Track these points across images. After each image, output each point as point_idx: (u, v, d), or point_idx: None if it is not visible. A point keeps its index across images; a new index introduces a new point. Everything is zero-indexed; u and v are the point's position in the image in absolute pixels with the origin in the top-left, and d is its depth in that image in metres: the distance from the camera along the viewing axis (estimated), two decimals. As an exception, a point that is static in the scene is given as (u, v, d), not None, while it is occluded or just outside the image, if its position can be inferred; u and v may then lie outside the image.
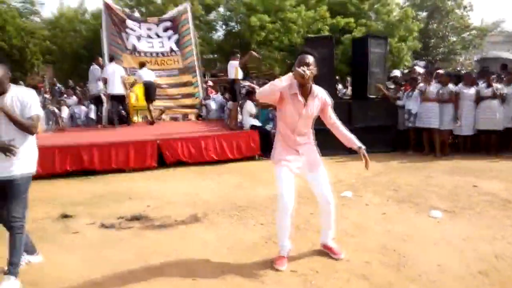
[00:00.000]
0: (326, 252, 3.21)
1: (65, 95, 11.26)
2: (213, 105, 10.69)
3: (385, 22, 21.36)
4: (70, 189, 5.72)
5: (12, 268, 2.75)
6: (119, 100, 9.32)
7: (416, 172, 6.06)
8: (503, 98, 6.94)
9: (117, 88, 9.06)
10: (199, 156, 7.04)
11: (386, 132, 7.83)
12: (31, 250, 3.15)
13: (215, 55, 22.93)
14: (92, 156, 6.52)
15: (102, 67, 9.68)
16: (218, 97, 11.07)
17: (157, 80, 10.46)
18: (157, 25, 11.53)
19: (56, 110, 9.65)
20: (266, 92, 2.85)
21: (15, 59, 19.55)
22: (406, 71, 14.70)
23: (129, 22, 11.18)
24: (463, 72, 8.59)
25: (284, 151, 3.02)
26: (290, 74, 2.81)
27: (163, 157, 6.90)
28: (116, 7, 12.00)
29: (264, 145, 7.34)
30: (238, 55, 7.91)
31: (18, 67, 19.87)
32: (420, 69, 10.59)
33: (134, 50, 11.12)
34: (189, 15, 11.77)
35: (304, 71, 2.72)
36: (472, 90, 7.07)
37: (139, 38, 11.22)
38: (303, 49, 3.02)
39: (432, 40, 25.38)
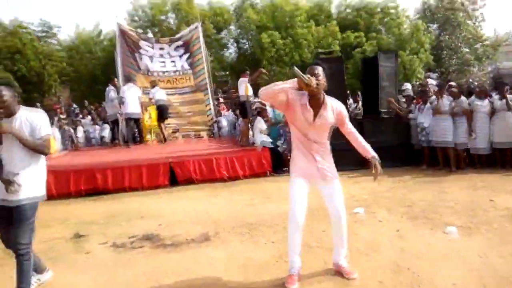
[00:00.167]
0: (338, 271, 3.15)
1: (80, 116, 11.52)
2: (224, 123, 10.78)
3: (396, 36, 21.38)
4: (83, 209, 5.79)
5: None
6: (135, 120, 9.47)
7: (430, 187, 5.94)
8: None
9: (133, 109, 9.15)
10: (211, 174, 7.08)
11: (399, 147, 7.73)
12: (40, 269, 3.16)
13: (227, 73, 23.23)
14: (105, 176, 6.63)
15: (118, 88, 9.89)
16: (230, 114, 11.16)
17: (169, 98, 10.67)
18: (169, 45, 11.80)
19: (71, 131, 9.86)
20: (269, 92, 2.78)
21: (33, 82, 20.18)
22: (417, 83, 14.61)
23: (142, 43, 11.48)
24: (475, 84, 8.46)
25: (300, 157, 3.00)
26: (295, 79, 2.75)
27: (175, 175, 6.95)
28: (130, 28, 12.37)
29: (275, 162, 7.35)
30: (248, 72, 8.00)
31: (36, 89, 20.48)
32: (432, 82, 10.51)
33: (147, 70, 11.38)
34: (200, 34, 12.01)
35: (309, 77, 2.68)
36: (485, 103, 6.95)
37: (151, 58, 11.48)
38: (314, 62, 3.02)
39: (444, 52, 25.19)
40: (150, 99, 9.68)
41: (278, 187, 6.34)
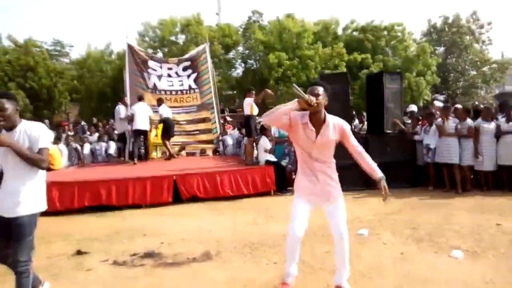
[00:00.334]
0: None
1: (88, 133, 11.66)
2: (230, 141, 10.83)
3: (402, 58, 21.55)
4: (86, 225, 5.79)
5: None
6: (142, 134, 9.61)
7: (436, 209, 5.86)
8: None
9: (142, 124, 9.36)
10: (215, 192, 7.07)
11: (405, 168, 7.68)
12: (37, 283, 3.13)
13: (234, 92, 23.50)
14: (109, 192, 6.64)
15: (127, 106, 10.06)
16: (235, 132, 11.22)
17: (175, 116, 10.81)
18: (177, 65, 12.01)
19: (79, 147, 9.97)
20: (272, 115, 2.84)
21: (44, 99, 20.58)
22: (423, 105, 14.61)
23: (151, 63, 11.70)
24: (481, 106, 8.43)
25: (304, 178, 3.02)
26: (295, 100, 2.78)
27: (179, 192, 6.95)
28: (139, 48, 12.65)
29: (279, 180, 7.32)
30: (253, 91, 8.08)
31: (46, 106, 20.87)
32: (439, 104, 10.51)
33: (154, 88, 11.56)
34: (207, 54, 12.23)
35: (308, 96, 2.71)
36: (492, 125, 6.92)
37: (160, 77, 11.68)
38: (314, 81, 3.07)
39: (451, 74, 25.29)
40: (160, 117, 9.82)
41: (281, 207, 6.29)
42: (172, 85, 11.76)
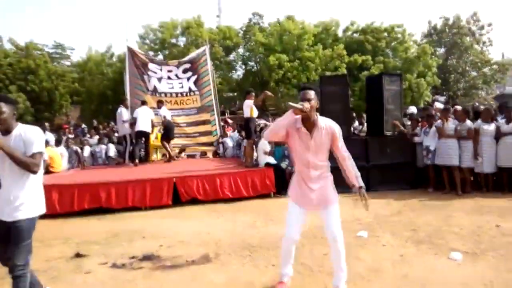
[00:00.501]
0: None
1: (88, 135, 11.67)
2: (230, 143, 10.83)
3: (403, 59, 21.56)
4: (86, 228, 5.79)
5: None
6: (144, 136, 9.71)
7: (436, 211, 5.85)
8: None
9: (145, 126, 9.54)
10: (214, 194, 7.06)
11: (404, 169, 7.68)
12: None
13: (235, 93, 23.53)
14: (109, 194, 6.64)
15: (128, 108, 10.12)
16: (235, 135, 11.23)
17: (176, 119, 10.86)
18: (177, 67, 12.04)
19: (79, 150, 9.98)
20: (272, 131, 2.96)
21: (44, 101, 20.63)
22: (423, 106, 14.58)
23: (151, 65, 11.73)
24: (481, 108, 8.42)
25: (298, 189, 3.09)
26: (290, 111, 2.86)
27: (179, 194, 6.95)
28: (139, 51, 12.68)
29: (279, 182, 7.31)
30: (253, 93, 8.08)
31: (47, 109, 20.91)
32: (440, 105, 10.50)
33: (155, 91, 11.58)
34: (207, 57, 12.26)
35: (302, 104, 2.79)
36: (492, 126, 6.90)
37: (160, 79, 11.70)
38: (303, 86, 3.16)
39: (452, 76, 25.28)
40: (164, 118, 9.89)
41: (281, 209, 6.24)
42: (172, 88, 11.78)
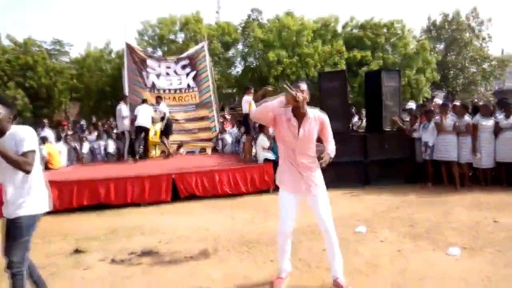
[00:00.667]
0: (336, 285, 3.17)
1: (86, 132, 11.66)
2: (228, 139, 10.83)
3: (402, 55, 21.52)
4: (85, 224, 5.79)
5: None
6: (144, 131, 9.76)
7: (434, 206, 5.86)
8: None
9: (144, 121, 9.62)
10: (213, 190, 7.07)
11: (403, 165, 7.69)
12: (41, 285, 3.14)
13: (234, 90, 23.47)
14: (108, 190, 6.65)
15: (127, 104, 10.14)
16: (234, 131, 11.22)
17: (174, 115, 10.87)
18: (176, 63, 12.01)
19: (77, 146, 9.98)
20: (259, 112, 2.99)
21: (43, 98, 20.56)
22: (422, 102, 14.58)
23: (149, 62, 11.72)
24: (480, 103, 8.42)
25: (286, 173, 3.13)
26: (282, 96, 2.86)
27: (177, 190, 6.96)
28: (138, 47, 12.65)
29: (278, 178, 7.31)
30: (252, 89, 8.07)
31: (46, 105, 20.85)
32: (439, 101, 10.50)
33: (153, 87, 11.57)
34: (206, 53, 12.23)
35: (296, 93, 2.80)
36: (490, 122, 6.91)
37: (158, 76, 11.69)
38: (297, 79, 3.18)
39: (451, 72, 25.26)
40: (164, 115, 9.94)
41: (280, 205, 6.29)
42: (171, 84, 11.77)
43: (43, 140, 8.76)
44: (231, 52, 23.35)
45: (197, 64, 12.08)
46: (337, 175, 7.04)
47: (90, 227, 5.59)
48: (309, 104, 3.07)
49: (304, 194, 3.12)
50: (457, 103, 7.99)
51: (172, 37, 22.01)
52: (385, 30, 22.13)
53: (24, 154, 2.67)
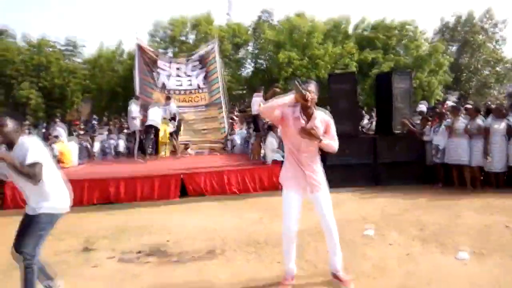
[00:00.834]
0: (335, 279, 3.27)
1: (98, 131, 11.83)
2: (238, 140, 10.86)
3: (414, 57, 21.30)
4: (94, 222, 5.85)
5: None
6: (154, 130, 9.83)
7: (444, 210, 5.79)
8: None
9: (154, 120, 9.71)
10: (222, 190, 7.11)
11: (413, 167, 7.62)
12: (48, 277, 3.20)
13: (244, 91, 23.49)
14: (118, 189, 6.73)
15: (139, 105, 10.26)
16: (243, 131, 11.25)
17: (184, 116, 10.96)
18: (186, 64, 12.11)
19: (88, 145, 10.12)
20: (267, 108, 3.04)
21: (56, 98, 20.87)
22: (434, 104, 14.42)
23: (159, 62, 11.83)
24: (492, 106, 8.29)
25: (290, 171, 3.20)
26: (292, 94, 2.95)
27: (186, 190, 7.01)
28: (149, 48, 12.76)
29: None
30: (262, 90, 8.09)
31: (59, 105, 21.15)
32: (451, 103, 10.39)
33: (163, 87, 11.67)
34: (216, 53, 12.28)
35: (305, 92, 2.89)
36: (502, 124, 6.80)
37: (168, 76, 11.80)
38: (307, 80, 3.22)
39: (464, 74, 24.91)
40: (174, 115, 10.02)
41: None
42: (181, 85, 11.86)
43: (55, 138, 8.92)
44: (241, 53, 23.39)
45: (207, 64, 12.15)
46: (346, 176, 7.03)
47: (100, 225, 5.65)
48: (317, 105, 3.14)
49: (306, 192, 3.17)
50: (469, 105, 7.87)
51: (183, 38, 22.14)
52: (396, 31, 21.93)
53: (30, 166, 2.75)
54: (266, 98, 8.01)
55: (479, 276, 3.38)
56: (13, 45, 21.17)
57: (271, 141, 7.62)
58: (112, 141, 10.49)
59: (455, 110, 7.28)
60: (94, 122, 14.14)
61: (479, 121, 6.91)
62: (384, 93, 8.02)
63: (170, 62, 12.12)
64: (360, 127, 9.17)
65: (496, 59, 24.62)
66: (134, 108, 10.02)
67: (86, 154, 9.99)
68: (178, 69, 11.96)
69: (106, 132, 10.98)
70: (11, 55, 20.19)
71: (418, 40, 21.99)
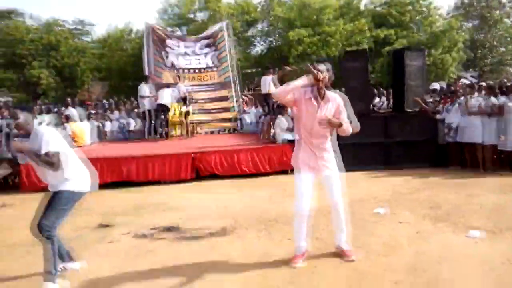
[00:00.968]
0: (340, 254, 3.38)
1: (109, 111, 11.89)
2: (248, 119, 10.85)
3: (428, 34, 20.74)
4: (110, 200, 5.99)
5: (46, 275, 2.97)
6: (164, 110, 9.97)
7: (456, 189, 5.76)
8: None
9: (164, 100, 9.85)
10: (232, 169, 7.16)
11: (425, 147, 7.55)
12: (68, 258, 3.32)
13: (254, 70, 23.27)
14: (130, 168, 6.83)
15: (149, 84, 10.34)
16: (254, 111, 11.22)
17: (194, 95, 10.95)
18: (195, 43, 12.00)
19: (100, 125, 10.21)
20: (280, 92, 3.11)
21: (67, 77, 20.98)
22: (447, 82, 14.12)
23: (169, 41, 11.74)
24: (508, 84, 8.09)
25: (302, 151, 3.24)
26: (305, 76, 3.03)
27: (198, 169, 7.08)
28: (158, 27, 12.64)
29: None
30: (271, 70, 8.01)
31: (70, 85, 21.29)
32: (466, 81, 10.18)
33: (172, 67, 11.62)
34: (225, 33, 12.13)
35: (318, 72, 2.96)
36: (518, 103, 6.65)
37: (178, 55, 11.72)
38: (318, 59, 3.29)
39: (480, 51, 24.26)
40: (185, 96, 10.07)
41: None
42: (190, 63, 11.79)
43: (67, 118, 9.02)
44: (251, 32, 23.06)
45: (216, 43, 12.02)
46: (357, 156, 7.00)
47: (115, 203, 5.78)
48: (330, 84, 3.20)
49: (317, 173, 3.22)
50: (484, 83, 7.70)
51: (191, 16, 21.88)
52: (410, 7, 21.30)
53: (47, 155, 2.89)
54: (276, 78, 7.95)
55: (490, 254, 3.39)
56: (22, 24, 21.20)
57: (281, 121, 7.60)
58: (123, 121, 10.58)
59: (469, 88, 7.14)
60: (105, 102, 14.20)
61: (494, 99, 6.77)
62: (397, 71, 7.88)
63: (179, 41, 12.01)
64: (372, 105, 9.04)
65: (513, 35, 23.89)
66: (144, 88, 10.09)
67: (98, 133, 10.10)
68: (187, 47, 11.87)
69: (117, 112, 11.06)
70: (21, 34, 20.23)
71: (432, 16, 21.36)
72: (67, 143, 3.20)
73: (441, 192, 5.61)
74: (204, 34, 12.54)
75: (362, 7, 22.21)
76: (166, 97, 9.84)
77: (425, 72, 8.05)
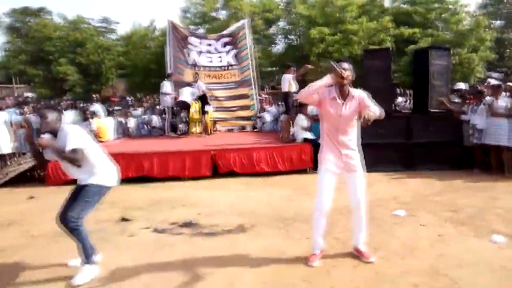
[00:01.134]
0: (358, 255, 3.37)
1: (133, 107, 12.15)
2: (267, 118, 10.86)
3: (454, 32, 20.16)
4: (131, 194, 6.11)
5: (85, 259, 3.17)
6: (185, 107, 10.11)
7: (480, 192, 5.61)
8: None
9: (185, 97, 9.95)
10: (251, 167, 7.19)
11: (449, 149, 7.35)
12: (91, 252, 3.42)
13: (275, 68, 23.23)
14: (151, 164, 6.96)
15: (172, 82, 10.49)
16: (273, 109, 11.22)
17: (214, 92, 11.08)
18: (217, 41, 12.08)
19: (124, 121, 10.44)
20: (307, 92, 3.12)
21: (92, 74, 21.53)
22: (474, 82, 13.73)
23: (191, 39, 11.86)
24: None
25: (328, 151, 3.27)
26: (329, 75, 3.04)
27: (217, 167, 7.15)
28: (180, 25, 12.81)
29: (316, 158, 7.29)
30: (292, 68, 7.99)
31: (95, 81, 21.84)
32: (493, 81, 9.86)
33: (194, 64, 11.74)
34: (246, 31, 12.16)
35: (342, 71, 2.99)
36: (547, 105, 6.42)
37: (199, 53, 11.83)
38: (341, 58, 3.35)
39: (508, 50, 23.42)
40: (204, 94, 10.17)
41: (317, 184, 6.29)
42: (211, 61, 11.89)
43: (93, 114, 9.28)
44: (272, 29, 23.01)
45: (237, 41, 12.07)
46: (379, 156, 6.90)
47: (136, 197, 5.91)
48: (352, 83, 3.18)
49: (342, 171, 3.23)
50: (510, 83, 7.45)
51: (213, 14, 22.02)
52: (436, 5, 20.75)
53: (71, 152, 3.04)
54: (296, 77, 7.93)
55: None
56: (50, 22, 21.85)
57: (301, 120, 7.57)
58: (146, 117, 10.78)
59: (496, 89, 6.92)
60: (129, 98, 14.51)
61: (522, 101, 6.54)
62: (420, 70, 7.71)
63: (201, 39, 12.12)
64: (394, 105, 8.89)
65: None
66: (166, 85, 10.24)
67: (121, 129, 10.33)
68: (209, 45, 11.96)
69: (141, 109, 11.28)
70: (49, 32, 20.87)
71: (459, 14, 20.74)
72: (91, 139, 3.32)
73: (464, 195, 5.47)
74: (225, 32, 12.60)
75: (386, 4, 21.81)
76: (186, 94, 9.95)
77: (450, 72, 7.83)
